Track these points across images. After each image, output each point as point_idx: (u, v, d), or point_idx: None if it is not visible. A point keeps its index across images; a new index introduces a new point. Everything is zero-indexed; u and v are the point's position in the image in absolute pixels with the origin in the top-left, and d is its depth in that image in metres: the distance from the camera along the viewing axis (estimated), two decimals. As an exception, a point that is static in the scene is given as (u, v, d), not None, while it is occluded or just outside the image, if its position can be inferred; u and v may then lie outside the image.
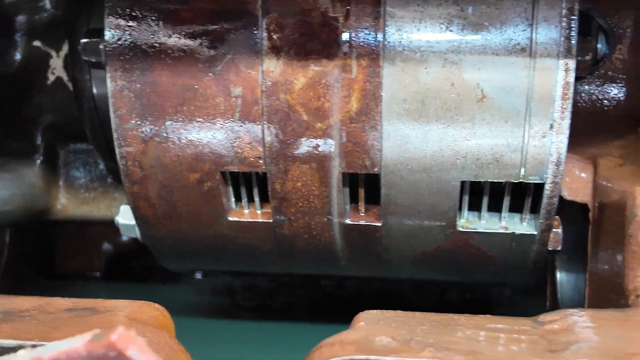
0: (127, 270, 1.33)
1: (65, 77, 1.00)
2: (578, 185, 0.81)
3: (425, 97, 0.66)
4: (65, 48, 1.01)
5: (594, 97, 0.80)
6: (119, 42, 0.72)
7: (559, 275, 1.01)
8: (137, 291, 1.28)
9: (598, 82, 0.80)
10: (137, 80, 0.71)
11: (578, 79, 0.68)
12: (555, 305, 1.02)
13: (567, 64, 0.66)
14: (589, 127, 0.81)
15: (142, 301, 0.67)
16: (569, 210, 0.83)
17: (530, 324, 0.60)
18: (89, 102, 0.86)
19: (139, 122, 0.73)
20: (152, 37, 0.71)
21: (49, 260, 1.30)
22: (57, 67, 1.03)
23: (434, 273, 0.84)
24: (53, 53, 1.04)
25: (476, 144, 0.67)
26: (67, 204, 1.10)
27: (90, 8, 0.85)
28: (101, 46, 0.73)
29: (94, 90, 0.85)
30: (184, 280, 1.31)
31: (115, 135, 0.74)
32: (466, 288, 1.20)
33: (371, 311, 0.64)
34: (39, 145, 1.08)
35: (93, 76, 0.84)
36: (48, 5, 1.04)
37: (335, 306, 1.21)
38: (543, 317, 0.61)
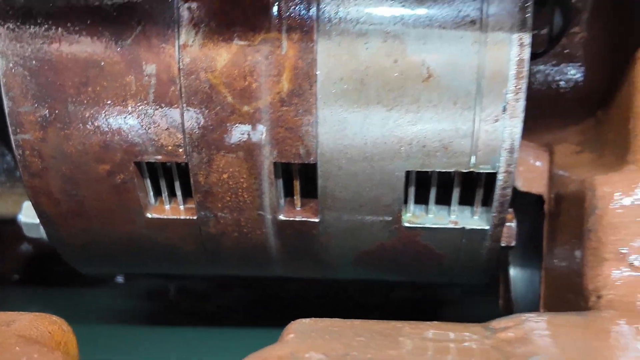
0: (50, 273, 1.23)
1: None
2: (533, 175, 0.75)
3: (365, 76, 0.60)
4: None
5: (549, 78, 0.73)
6: (7, 9, 0.61)
7: (512, 271, 0.95)
8: (61, 296, 1.20)
9: (554, 62, 0.73)
10: (31, 55, 0.62)
11: (533, 56, 0.61)
12: (509, 304, 0.97)
13: (521, 38, 0.60)
14: (544, 112, 0.75)
15: (36, 313, 0.58)
16: (522, 201, 0.77)
17: (481, 331, 0.53)
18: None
19: (36, 105, 0.63)
20: (49, 3, 0.61)
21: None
22: None
23: (377, 274, 0.77)
24: None
25: (422, 129, 0.61)
26: (-34, 199, 0.99)
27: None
28: None
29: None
30: (113, 283, 1.23)
31: (9, 121, 0.64)
32: (415, 286, 1.15)
33: (303, 320, 0.56)
34: None
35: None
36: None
37: (277, 308, 1.14)
38: (496, 324, 0.55)
